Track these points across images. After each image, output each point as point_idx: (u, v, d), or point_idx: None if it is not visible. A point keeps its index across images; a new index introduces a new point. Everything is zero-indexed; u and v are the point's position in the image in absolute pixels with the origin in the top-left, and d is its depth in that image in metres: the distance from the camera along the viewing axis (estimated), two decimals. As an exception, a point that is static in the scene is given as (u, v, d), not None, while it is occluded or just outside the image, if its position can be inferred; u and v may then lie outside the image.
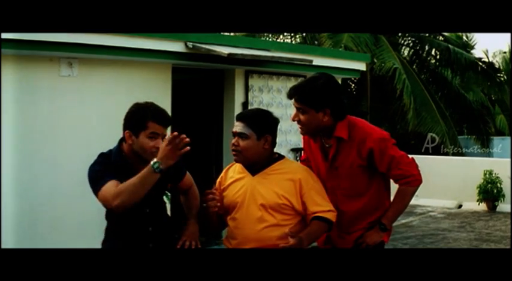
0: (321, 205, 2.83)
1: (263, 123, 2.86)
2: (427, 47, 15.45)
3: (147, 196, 2.88)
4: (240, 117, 2.87)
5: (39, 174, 5.04)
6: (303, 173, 2.89)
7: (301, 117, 2.85)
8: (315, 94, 2.81)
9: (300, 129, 2.95)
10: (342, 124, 2.88)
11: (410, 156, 2.95)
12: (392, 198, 2.98)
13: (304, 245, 2.72)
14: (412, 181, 2.89)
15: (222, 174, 3.05)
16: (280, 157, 2.96)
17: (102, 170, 2.74)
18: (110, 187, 2.63)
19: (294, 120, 2.91)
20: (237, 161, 2.88)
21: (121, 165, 2.79)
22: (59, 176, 5.10)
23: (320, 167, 3.01)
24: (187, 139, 2.54)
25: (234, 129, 2.85)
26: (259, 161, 2.86)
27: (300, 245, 2.67)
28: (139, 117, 2.74)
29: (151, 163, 2.55)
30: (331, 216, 2.84)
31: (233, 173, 2.97)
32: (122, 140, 2.84)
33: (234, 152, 2.86)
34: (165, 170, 2.60)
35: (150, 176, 2.57)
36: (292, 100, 2.89)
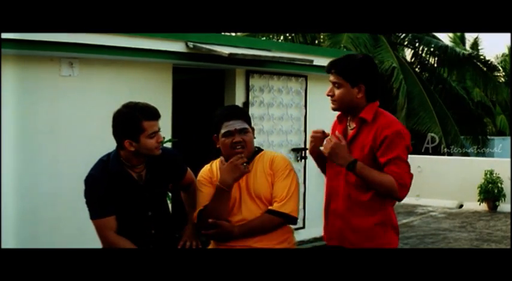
0: (281, 196, 2.82)
1: (249, 117, 2.98)
2: (425, 46, 15.46)
3: (149, 200, 2.88)
4: (233, 116, 2.89)
5: (39, 174, 5.04)
6: (280, 158, 2.94)
7: (336, 91, 2.88)
8: (353, 67, 2.86)
9: (331, 104, 2.95)
10: (371, 107, 2.89)
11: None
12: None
13: (234, 233, 2.80)
14: (399, 189, 2.75)
15: (211, 169, 3.00)
16: (260, 149, 3.02)
17: (99, 190, 2.77)
18: (109, 225, 2.79)
19: (328, 95, 2.93)
20: (242, 158, 2.85)
21: (118, 173, 2.80)
22: (59, 176, 5.10)
23: None
24: None
25: (234, 127, 2.85)
26: (251, 154, 2.93)
27: (222, 233, 2.79)
28: (132, 122, 2.73)
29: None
30: (284, 208, 2.80)
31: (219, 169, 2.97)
32: (118, 147, 2.84)
33: (241, 150, 2.86)
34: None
35: None
36: (330, 74, 2.92)
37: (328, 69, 2.94)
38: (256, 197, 2.85)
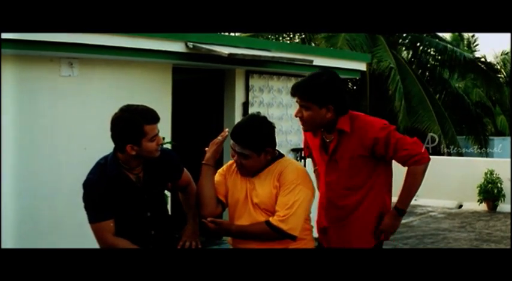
0: (282, 210, 2.76)
1: (258, 141, 2.80)
2: (425, 47, 15.46)
3: (147, 201, 2.88)
4: (234, 138, 2.81)
5: (39, 174, 5.04)
6: (290, 171, 2.82)
7: (305, 113, 2.86)
8: (318, 91, 2.82)
9: (302, 126, 2.95)
10: (344, 118, 2.90)
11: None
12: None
13: (232, 231, 2.87)
14: (419, 159, 2.88)
15: (231, 165, 3.03)
16: (280, 155, 2.94)
17: (97, 194, 2.76)
18: (107, 228, 2.77)
19: (296, 116, 2.91)
20: (241, 174, 2.90)
21: (116, 176, 2.79)
22: (59, 176, 5.10)
23: (320, 161, 3.03)
24: None
25: (234, 148, 2.82)
26: (261, 168, 2.88)
27: (221, 230, 2.85)
28: (134, 127, 2.71)
29: None
30: (283, 224, 2.74)
31: (234, 171, 2.99)
32: (116, 150, 2.82)
33: (237, 167, 2.89)
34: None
35: None
36: (295, 97, 2.90)
37: (292, 94, 2.90)
38: (255, 204, 2.84)
